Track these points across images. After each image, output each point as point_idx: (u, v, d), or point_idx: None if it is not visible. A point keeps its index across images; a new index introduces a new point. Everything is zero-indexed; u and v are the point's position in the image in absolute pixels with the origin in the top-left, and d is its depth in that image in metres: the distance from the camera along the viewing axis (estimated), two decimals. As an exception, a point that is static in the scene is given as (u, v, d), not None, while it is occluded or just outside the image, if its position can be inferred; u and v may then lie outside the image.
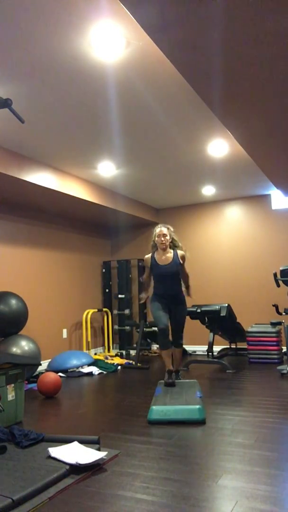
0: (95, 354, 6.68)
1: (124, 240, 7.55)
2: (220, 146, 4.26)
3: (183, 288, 4.31)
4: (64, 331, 6.26)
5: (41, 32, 2.36)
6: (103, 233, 7.46)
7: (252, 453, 2.55)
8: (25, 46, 2.48)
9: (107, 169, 4.88)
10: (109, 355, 6.43)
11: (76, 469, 2.35)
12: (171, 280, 4.17)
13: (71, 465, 2.35)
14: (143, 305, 7.14)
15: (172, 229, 4.31)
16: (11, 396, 3.32)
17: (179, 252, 4.22)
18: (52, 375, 4.22)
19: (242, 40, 1.96)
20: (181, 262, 4.20)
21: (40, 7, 2.15)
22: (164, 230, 4.20)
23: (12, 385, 3.35)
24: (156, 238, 4.19)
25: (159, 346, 4.14)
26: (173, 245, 4.25)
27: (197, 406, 3.21)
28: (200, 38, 1.92)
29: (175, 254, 4.19)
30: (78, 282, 6.67)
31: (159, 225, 4.28)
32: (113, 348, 7.32)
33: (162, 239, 4.15)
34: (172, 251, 4.21)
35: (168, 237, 4.18)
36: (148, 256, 4.31)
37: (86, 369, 5.39)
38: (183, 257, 4.23)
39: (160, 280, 4.21)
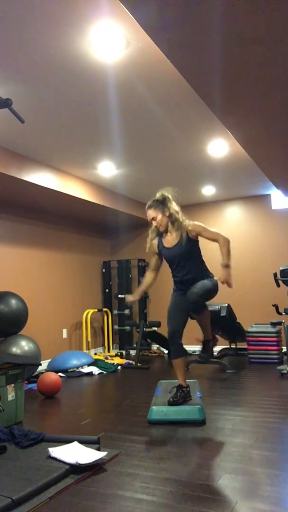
0: (95, 354, 6.68)
1: (124, 240, 7.55)
2: (220, 146, 4.26)
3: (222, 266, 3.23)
4: (64, 331, 6.26)
5: (41, 32, 2.36)
6: (103, 233, 7.46)
7: (252, 453, 2.55)
8: (25, 46, 2.48)
9: (107, 169, 4.88)
10: (109, 355, 6.43)
11: (76, 469, 2.35)
12: (183, 264, 3.33)
13: (71, 465, 2.35)
14: (143, 305, 7.14)
15: (164, 202, 3.29)
16: (11, 396, 3.32)
17: (187, 225, 3.29)
18: (52, 375, 4.22)
19: (241, 40, 1.96)
20: (194, 235, 3.29)
21: (40, 7, 2.15)
22: (151, 212, 3.31)
23: (12, 385, 3.35)
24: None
25: (171, 354, 3.46)
26: (176, 222, 3.31)
27: (197, 406, 3.21)
28: (200, 38, 1.92)
29: (182, 231, 3.29)
30: (78, 282, 6.67)
31: (147, 205, 3.38)
32: (113, 348, 7.32)
33: (154, 222, 3.34)
34: (177, 228, 3.31)
35: (160, 218, 3.29)
36: (155, 240, 3.45)
37: (86, 369, 5.39)
38: (194, 228, 3.28)
39: (172, 266, 3.42)
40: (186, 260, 3.33)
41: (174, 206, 3.33)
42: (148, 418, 3.22)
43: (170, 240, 3.38)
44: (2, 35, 2.37)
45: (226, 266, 3.17)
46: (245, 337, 5.65)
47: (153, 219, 3.32)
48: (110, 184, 5.57)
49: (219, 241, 3.23)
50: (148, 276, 3.59)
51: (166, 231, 3.37)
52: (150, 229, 3.49)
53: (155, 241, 3.49)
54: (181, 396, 3.32)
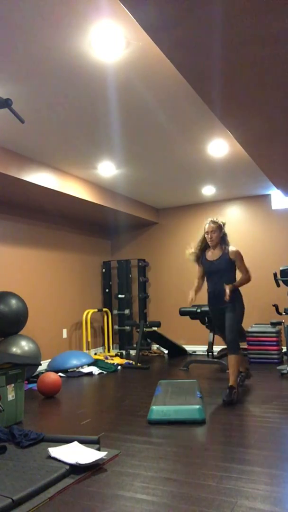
0: (95, 354, 6.68)
1: (124, 240, 7.55)
2: (220, 146, 4.26)
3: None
4: (64, 331, 6.26)
5: (41, 32, 2.36)
6: (103, 233, 7.46)
7: (252, 453, 2.55)
8: (25, 46, 2.48)
9: (107, 169, 4.88)
10: (109, 355, 6.43)
11: (76, 469, 2.35)
12: (219, 277, 3.98)
13: (71, 465, 2.35)
14: (143, 305, 7.14)
15: (223, 223, 4.05)
16: (11, 396, 3.32)
17: (231, 249, 3.98)
18: (52, 375, 4.22)
19: (242, 40, 1.96)
20: (234, 259, 3.98)
21: (40, 7, 2.15)
22: (213, 226, 3.98)
23: (12, 385, 3.35)
24: (205, 235, 4.03)
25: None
26: (224, 242, 4.02)
27: (197, 406, 3.21)
28: (200, 38, 1.92)
29: (226, 250, 3.97)
30: (78, 282, 6.67)
31: (208, 219, 4.06)
32: (113, 348, 7.32)
33: (211, 236, 3.98)
34: (223, 247, 4.00)
35: (216, 234, 3.98)
36: (198, 252, 4.11)
37: (86, 369, 5.39)
38: (236, 254, 3.97)
39: (208, 277, 4.08)
40: (221, 275, 3.99)
41: (225, 232, 4.07)
42: (148, 418, 3.23)
43: (211, 254, 4.07)
44: (2, 35, 2.37)
45: (233, 286, 3.92)
46: (245, 337, 5.65)
47: (213, 232, 3.98)
48: (110, 184, 5.57)
49: (243, 274, 4.00)
50: (198, 282, 4.26)
51: (214, 247, 4.04)
52: (199, 239, 4.13)
53: (198, 252, 4.15)
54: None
